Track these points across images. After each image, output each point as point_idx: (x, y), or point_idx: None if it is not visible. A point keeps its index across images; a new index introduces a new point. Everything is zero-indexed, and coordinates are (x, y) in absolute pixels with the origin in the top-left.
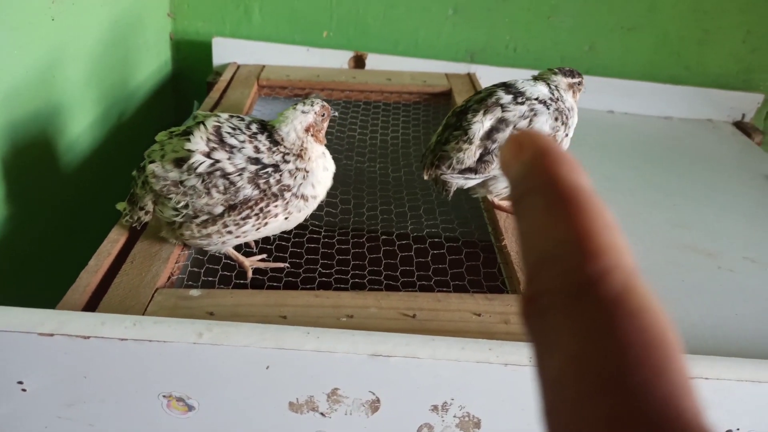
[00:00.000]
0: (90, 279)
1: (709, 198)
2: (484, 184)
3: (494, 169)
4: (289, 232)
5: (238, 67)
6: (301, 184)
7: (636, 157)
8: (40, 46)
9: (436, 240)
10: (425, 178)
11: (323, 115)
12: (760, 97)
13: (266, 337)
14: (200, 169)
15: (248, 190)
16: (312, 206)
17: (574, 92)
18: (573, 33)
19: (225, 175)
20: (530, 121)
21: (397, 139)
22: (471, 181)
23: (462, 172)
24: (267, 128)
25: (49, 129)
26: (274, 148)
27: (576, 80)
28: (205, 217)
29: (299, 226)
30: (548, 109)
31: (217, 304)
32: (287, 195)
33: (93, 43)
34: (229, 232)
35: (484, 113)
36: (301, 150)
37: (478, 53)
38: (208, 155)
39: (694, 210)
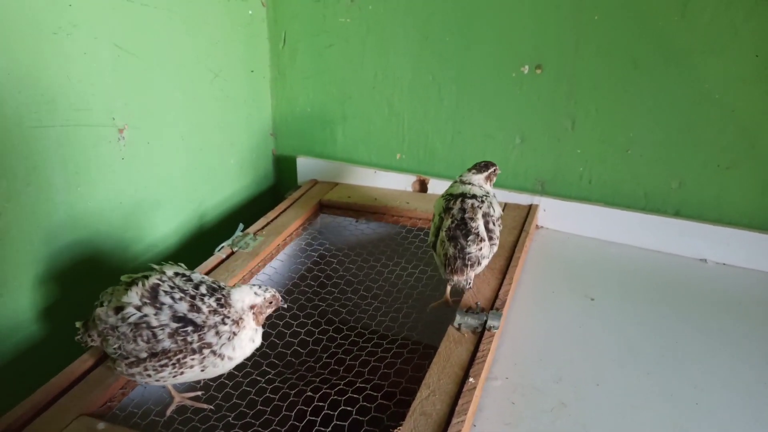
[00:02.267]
0: (38, 399)
1: None
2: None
3: (495, 247)
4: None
5: (315, 183)
6: (224, 344)
7: (738, 317)
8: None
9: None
10: (460, 278)
11: (270, 303)
12: None
13: None
14: (131, 320)
15: (167, 343)
16: (228, 366)
17: (490, 180)
18: (656, 167)
19: (150, 328)
20: (493, 209)
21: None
22: (482, 266)
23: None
24: (218, 291)
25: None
26: (220, 310)
27: (490, 171)
28: (132, 359)
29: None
30: (492, 197)
31: None
32: (206, 351)
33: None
34: (149, 375)
35: (475, 217)
36: (240, 319)
37: (548, 182)
38: (139, 308)
39: None
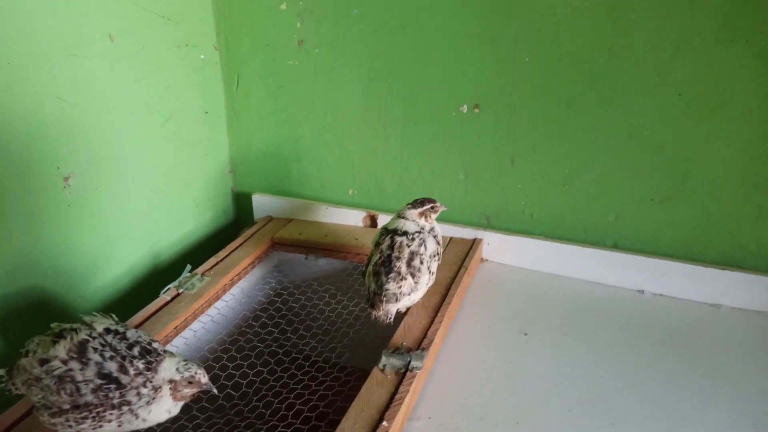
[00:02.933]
0: None
1: (765, 413)
2: (411, 299)
3: (421, 285)
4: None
5: (270, 219)
6: (141, 406)
7: (669, 348)
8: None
9: None
10: (378, 313)
11: (190, 383)
12: None
13: None
14: (55, 373)
15: (89, 397)
16: (142, 425)
17: (426, 217)
18: (593, 201)
19: (74, 382)
20: (424, 246)
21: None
22: (404, 302)
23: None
24: (151, 355)
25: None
26: (145, 373)
27: (426, 207)
28: (55, 410)
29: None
30: (428, 234)
31: None
32: (124, 408)
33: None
34: (70, 426)
35: (401, 255)
36: (159, 387)
37: (493, 216)
38: (65, 362)
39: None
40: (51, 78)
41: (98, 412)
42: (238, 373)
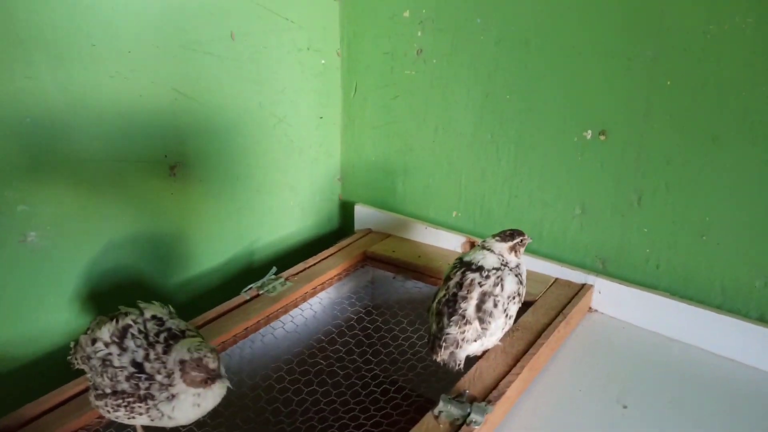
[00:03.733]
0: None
1: None
2: (482, 344)
3: (491, 331)
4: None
5: (369, 232)
6: (162, 402)
7: None
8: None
9: None
10: (437, 360)
11: (198, 366)
12: None
13: None
14: (99, 355)
15: (125, 385)
16: (170, 424)
17: (516, 252)
18: (737, 259)
19: (113, 366)
20: (501, 286)
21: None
22: (474, 347)
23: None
24: (175, 339)
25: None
26: (162, 357)
27: (515, 241)
28: (99, 392)
29: None
30: (509, 272)
31: None
32: (150, 402)
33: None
34: (108, 412)
35: (469, 296)
36: (170, 375)
37: (610, 261)
38: (107, 345)
39: None
40: (168, 70)
41: (129, 402)
42: (292, 387)
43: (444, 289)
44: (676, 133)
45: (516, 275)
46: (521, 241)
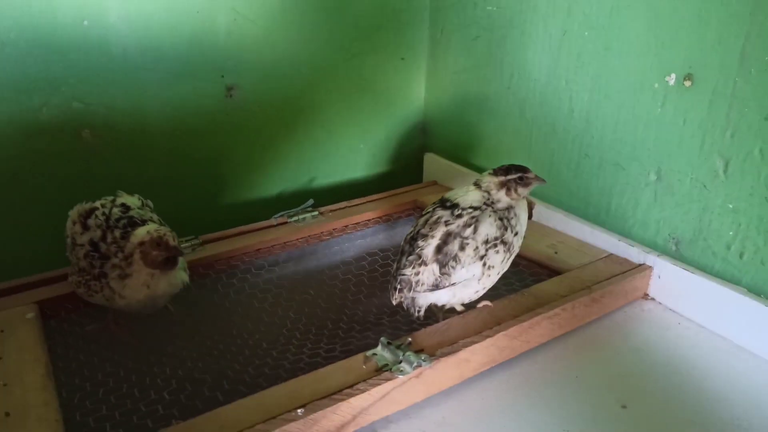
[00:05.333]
0: None
1: None
2: (452, 294)
3: (456, 277)
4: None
5: (434, 183)
6: (114, 279)
7: None
8: None
9: None
10: (393, 303)
11: (158, 244)
12: None
13: None
14: (68, 232)
15: (83, 263)
16: (120, 303)
17: (510, 191)
18: None
19: (75, 244)
20: (475, 228)
21: None
22: (438, 295)
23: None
24: (135, 227)
25: None
26: (119, 242)
27: (510, 177)
28: (73, 268)
29: None
30: (491, 214)
31: None
32: (103, 281)
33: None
34: (77, 288)
35: (430, 233)
36: (128, 258)
37: (684, 243)
38: (74, 224)
39: None
40: None
41: (87, 279)
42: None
43: (412, 227)
44: None
45: (502, 218)
46: (520, 178)
